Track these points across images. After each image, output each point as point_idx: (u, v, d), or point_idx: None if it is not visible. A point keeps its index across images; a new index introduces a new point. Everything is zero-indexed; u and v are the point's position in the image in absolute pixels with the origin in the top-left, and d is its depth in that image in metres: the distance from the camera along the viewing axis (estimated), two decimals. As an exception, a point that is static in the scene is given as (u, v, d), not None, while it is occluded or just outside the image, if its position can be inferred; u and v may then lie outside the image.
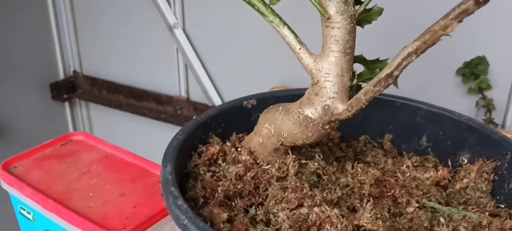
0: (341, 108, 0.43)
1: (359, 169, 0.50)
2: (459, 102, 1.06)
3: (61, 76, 1.74)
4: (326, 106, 0.44)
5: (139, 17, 1.49)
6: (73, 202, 0.55)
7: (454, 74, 1.04)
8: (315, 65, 0.44)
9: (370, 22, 0.46)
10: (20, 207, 0.60)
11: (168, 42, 1.43)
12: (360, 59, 0.48)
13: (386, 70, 0.38)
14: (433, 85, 1.08)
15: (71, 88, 1.74)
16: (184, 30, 1.39)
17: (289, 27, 0.45)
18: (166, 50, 1.46)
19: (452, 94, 1.06)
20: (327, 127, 0.45)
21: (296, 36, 0.44)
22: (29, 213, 0.59)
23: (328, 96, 0.44)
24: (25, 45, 1.62)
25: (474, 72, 1.00)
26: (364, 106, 0.41)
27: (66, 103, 1.79)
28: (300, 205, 0.41)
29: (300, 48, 0.44)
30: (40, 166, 0.62)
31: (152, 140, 1.33)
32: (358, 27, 0.46)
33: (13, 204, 0.62)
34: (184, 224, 0.34)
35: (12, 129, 1.61)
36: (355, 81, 0.47)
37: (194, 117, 0.52)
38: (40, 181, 0.59)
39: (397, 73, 0.37)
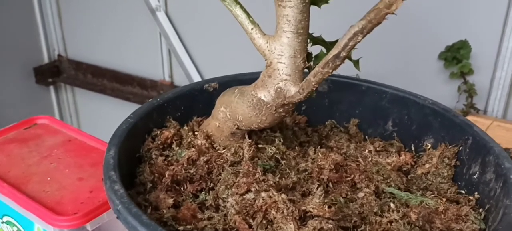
0: (293, 91, 0.42)
1: (320, 154, 0.48)
2: (441, 87, 1.04)
3: (45, 60, 1.72)
4: (279, 89, 0.42)
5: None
6: (30, 186, 0.54)
7: (437, 59, 1.03)
8: (267, 46, 0.42)
9: (327, 2, 0.44)
10: (-20, 192, 0.59)
11: (151, 26, 1.41)
12: (319, 41, 0.47)
13: (334, 51, 0.36)
14: (415, 70, 1.07)
15: (56, 73, 1.72)
16: (166, 13, 1.37)
17: (241, 7, 0.43)
18: (149, 34, 1.44)
19: (434, 80, 1.04)
20: (281, 110, 0.44)
21: (248, 15, 0.43)
22: (-12, 197, 0.58)
23: (280, 79, 0.42)
24: (8, 28, 1.59)
25: (456, 56, 0.98)
26: (314, 89, 0.40)
27: (51, 88, 1.77)
28: (249, 190, 0.40)
29: (252, 29, 0.43)
30: (1, 150, 0.61)
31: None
32: (320, 8, 0.44)
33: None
34: (118, 209, 0.33)
35: (-4, 113, 1.60)
36: (312, 63, 0.45)
37: (149, 100, 0.50)
38: (-1, 165, 0.58)
39: (344, 54, 0.36)
